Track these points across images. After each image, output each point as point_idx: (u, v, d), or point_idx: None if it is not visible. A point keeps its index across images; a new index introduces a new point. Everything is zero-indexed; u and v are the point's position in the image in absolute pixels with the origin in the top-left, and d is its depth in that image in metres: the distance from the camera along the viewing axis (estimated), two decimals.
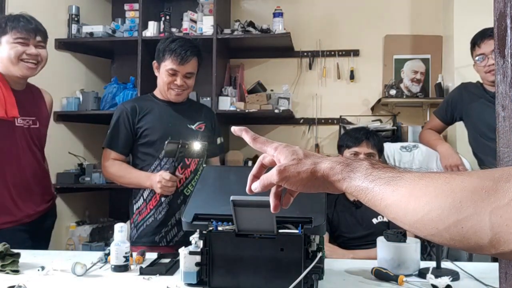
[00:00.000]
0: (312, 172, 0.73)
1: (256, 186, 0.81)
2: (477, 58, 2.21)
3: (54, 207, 2.15)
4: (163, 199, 1.98)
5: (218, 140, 2.23)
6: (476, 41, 2.21)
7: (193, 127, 2.07)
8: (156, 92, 2.10)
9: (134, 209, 2.04)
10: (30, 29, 1.89)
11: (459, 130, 2.60)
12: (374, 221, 1.96)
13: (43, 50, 1.93)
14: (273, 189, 0.82)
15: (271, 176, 0.77)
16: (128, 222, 2.15)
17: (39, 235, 1.98)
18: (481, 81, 2.29)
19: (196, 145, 1.88)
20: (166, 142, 1.80)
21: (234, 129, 0.87)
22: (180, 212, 2.01)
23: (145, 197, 2.02)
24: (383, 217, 1.96)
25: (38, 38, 1.91)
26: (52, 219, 2.13)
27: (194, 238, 1.24)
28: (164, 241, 2.00)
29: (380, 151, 2.06)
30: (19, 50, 1.85)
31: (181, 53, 1.95)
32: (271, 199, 0.83)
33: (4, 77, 1.87)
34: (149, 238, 1.99)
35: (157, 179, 1.86)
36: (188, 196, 2.04)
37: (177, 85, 1.98)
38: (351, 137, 2.07)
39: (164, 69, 1.98)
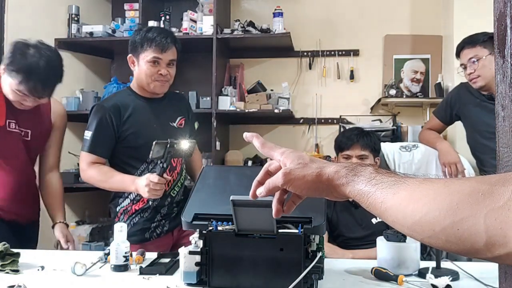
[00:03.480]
0: (318, 175, 0.74)
1: (261, 190, 0.82)
2: (460, 69, 2.30)
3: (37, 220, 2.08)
4: (150, 202, 1.94)
5: (196, 125, 2.17)
6: (456, 53, 2.31)
7: (174, 124, 2.02)
8: (134, 87, 2.01)
9: (118, 209, 1.98)
10: (33, 92, 1.78)
11: (459, 130, 2.60)
12: (374, 221, 1.96)
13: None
14: (276, 195, 0.83)
15: (277, 179, 0.78)
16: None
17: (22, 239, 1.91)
18: None
19: (184, 144, 1.80)
20: (154, 142, 1.68)
21: (246, 135, 0.89)
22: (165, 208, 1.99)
23: (132, 198, 1.96)
24: None
25: (37, 98, 1.81)
26: (35, 232, 2.06)
27: (194, 238, 1.24)
28: (154, 235, 1.98)
29: (375, 150, 2.04)
30: (17, 98, 1.80)
31: (161, 41, 1.89)
32: (274, 204, 0.84)
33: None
34: (139, 237, 1.94)
35: (144, 183, 1.74)
36: (175, 197, 2.03)
37: (162, 75, 1.91)
38: (343, 139, 2.06)
39: (145, 60, 1.91)
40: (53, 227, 2.01)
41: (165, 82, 1.95)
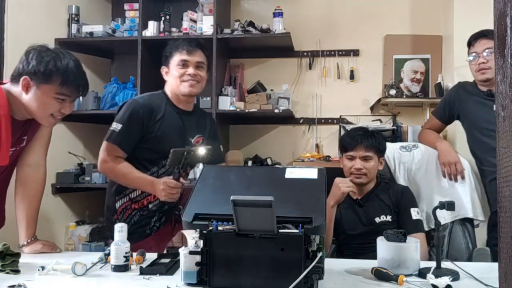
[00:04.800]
0: None
1: None
2: (470, 57, 2.26)
3: None
4: (150, 205, 1.97)
5: (221, 148, 2.19)
6: (470, 41, 2.27)
7: (192, 140, 2.04)
8: (168, 94, 2.03)
9: (117, 206, 1.98)
10: (77, 87, 1.65)
11: (459, 129, 2.59)
12: (377, 220, 1.96)
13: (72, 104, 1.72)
14: None
15: None
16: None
17: None
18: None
19: (201, 151, 1.83)
20: (171, 150, 1.73)
21: None
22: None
23: (131, 197, 1.97)
24: (385, 216, 1.96)
25: (79, 95, 1.70)
26: None
27: (194, 238, 1.24)
28: (154, 229, 2.00)
29: (380, 151, 2.03)
30: (55, 107, 1.62)
31: (186, 45, 1.97)
32: None
33: (9, 109, 1.60)
34: (141, 234, 1.96)
35: (161, 187, 1.80)
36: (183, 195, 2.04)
37: (190, 75, 1.95)
38: (347, 139, 2.04)
39: (174, 65, 1.97)
40: (20, 246, 1.72)
41: (194, 82, 1.96)
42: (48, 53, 1.60)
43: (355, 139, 2.00)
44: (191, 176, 2.57)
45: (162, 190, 1.79)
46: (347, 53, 3.43)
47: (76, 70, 1.62)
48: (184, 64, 1.96)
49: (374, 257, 1.48)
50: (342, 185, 1.88)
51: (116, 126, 1.90)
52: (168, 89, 2.03)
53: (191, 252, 1.21)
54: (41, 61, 1.57)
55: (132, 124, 1.90)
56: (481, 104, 2.21)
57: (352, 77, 3.39)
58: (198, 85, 1.98)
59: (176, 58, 1.97)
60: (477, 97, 2.24)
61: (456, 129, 2.74)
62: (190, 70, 1.95)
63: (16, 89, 1.60)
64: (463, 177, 2.19)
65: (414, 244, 1.41)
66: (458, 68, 2.92)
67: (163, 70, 2.03)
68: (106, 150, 1.91)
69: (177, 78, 1.95)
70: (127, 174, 1.91)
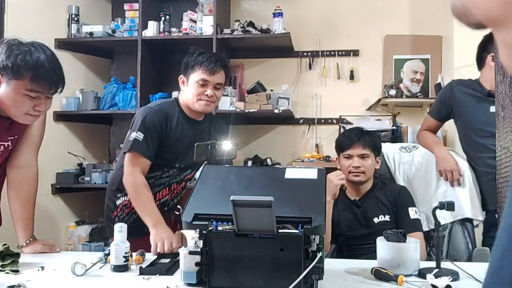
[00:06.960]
0: None
1: None
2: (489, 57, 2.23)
3: None
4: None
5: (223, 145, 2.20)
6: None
7: None
8: (181, 103, 2.02)
9: (117, 203, 1.99)
10: (50, 83, 1.56)
11: None
12: (375, 220, 1.96)
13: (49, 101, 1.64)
14: None
15: None
16: (106, 218, 2.12)
17: None
18: (474, 78, 2.31)
19: (226, 145, 1.84)
20: (195, 145, 1.75)
21: None
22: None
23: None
24: (384, 216, 1.96)
25: (52, 91, 1.60)
26: None
27: (194, 238, 1.24)
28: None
29: (376, 149, 2.04)
30: (27, 105, 1.54)
31: (210, 64, 1.94)
32: None
33: None
34: (139, 233, 1.92)
35: (165, 235, 1.69)
36: (172, 206, 2.05)
37: (208, 96, 1.94)
38: (343, 138, 2.06)
39: (193, 81, 1.94)
40: (20, 246, 1.69)
41: (210, 102, 1.97)
42: (19, 47, 1.52)
43: (352, 138, 2.02)
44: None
45: (167, 239, 1.69)
46: (347, 53, 3.43)
47: (48, 65, 1.53)
48: (204, 84, 1.94)
49: (373, 258, 1.48)
50: (334, 178, 1.91)
51: (137, 135, 1.86)
52: (182, 98, 2.01)
53: (191, 252, 1.21)
54: (10, 55, 1.50)
55: (152, 132, 1.89)
56: (477, 105, 2.19)
57: (352, 77, 3.39)
58: (212, 105, 2.00)
59: (197, 75, 1.94)
60: (473, 97, 2.22)
61: (455, 128, 2.73)
62: (209, 91, 1.94)
63: None
64: (459, 184, 2.19)
65: (414, 244, 1.41)
66: (458, 68, 2.92)
67: (180, 79, 2.01)
68: (131, 161, 1.87)
69: (194, 95, 1.94)
70: (142, 196, 1.84)
